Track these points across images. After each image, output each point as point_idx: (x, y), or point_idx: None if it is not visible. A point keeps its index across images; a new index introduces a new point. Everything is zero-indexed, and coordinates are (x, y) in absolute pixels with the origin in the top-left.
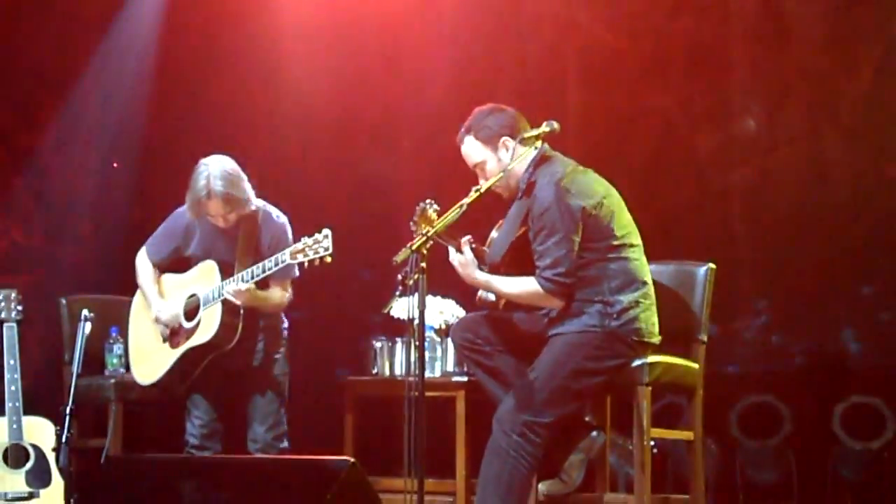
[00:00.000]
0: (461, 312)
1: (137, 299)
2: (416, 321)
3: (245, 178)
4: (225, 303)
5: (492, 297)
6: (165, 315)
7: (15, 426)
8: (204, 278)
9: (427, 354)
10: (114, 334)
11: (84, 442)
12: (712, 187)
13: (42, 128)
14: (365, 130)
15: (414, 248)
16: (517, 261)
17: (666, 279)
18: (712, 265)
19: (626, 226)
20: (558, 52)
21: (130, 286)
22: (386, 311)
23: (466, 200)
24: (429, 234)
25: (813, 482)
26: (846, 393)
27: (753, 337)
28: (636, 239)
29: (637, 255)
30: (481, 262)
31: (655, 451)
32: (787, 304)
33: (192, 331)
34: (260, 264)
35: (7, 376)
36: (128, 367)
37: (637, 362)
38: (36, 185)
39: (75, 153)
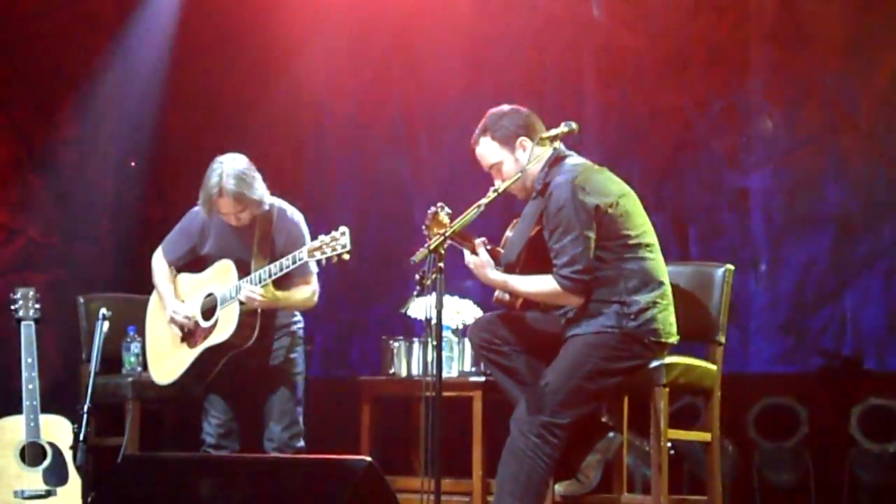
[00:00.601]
0: (478, 313)
1: (154, 299)
2: (434, 321)
3: (259, 177)
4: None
5: (508, 296)
6: (181, 315)
7: (32, 424)
8: (221, 277)
9: (444, 354)
10: (131, 333)
11: (101, 440)
12: (729, 188)
13: (60, 126)
14: (381, 131)
15: (431, 248)
16: (532, 260)
17: (684, 280)
18: (730, 266)
19: (641, 225)
20: (576, 51)
21: (148, 285)
22: (403, 311)
23: (484, 201)
24: (446, 234)
25: (830, 484)
26: (864, 395)
27: (770, 338)
28: (652, 238)
29: (654, 255)
30: (496, 262)
31: (672, 452)
32: (805, 306)
33: (209, 330)
34: (277, 262)
35: (24, 374)
36: (145, 367)
37: (654, 363)
38: (54, 184)
39: (93, 152)
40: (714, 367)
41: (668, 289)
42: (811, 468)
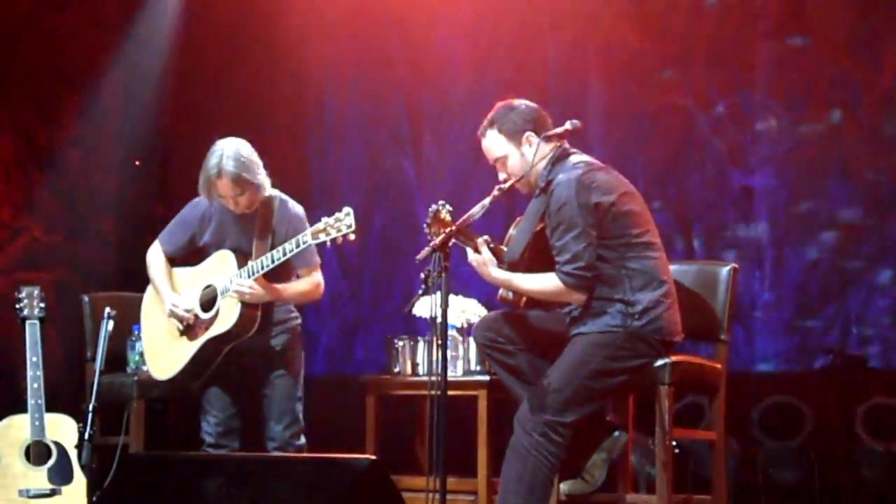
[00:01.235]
0: (483, 311)
1: (149, 294)
2: (439, 320)
3: (259, 163)
4: None
5: (512, 295)
6: (181, 308)
7: (37, 423)
8: (220, 268)
9: (449, 353)
10: (136, 332)
11: (106, 439)
12: (733, 187)
13: (64, 125)
14: (386, 128)
15: (436, 246)
16: (536, 258)
17: (689, 279)
18: (735, 265)
19: (645, 224)
20: (580, 50)
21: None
22: (408, 309)
23: (489, 199)
24: (452, 232)
25: (834, 483)
26: (868, 394)
27: (775, 337)
28: (655, 237)
29: (657, 254)
30: (500, 260)
31: (677, 450)
32: (809, 304)
33: (210, 321)
34: (280, 248)
35: (29, 373)
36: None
37: (659, 362)
38: (58, 183)
39: (97, 150)
40: (719, 366)
41: (672, 287)
42: (815, 467)
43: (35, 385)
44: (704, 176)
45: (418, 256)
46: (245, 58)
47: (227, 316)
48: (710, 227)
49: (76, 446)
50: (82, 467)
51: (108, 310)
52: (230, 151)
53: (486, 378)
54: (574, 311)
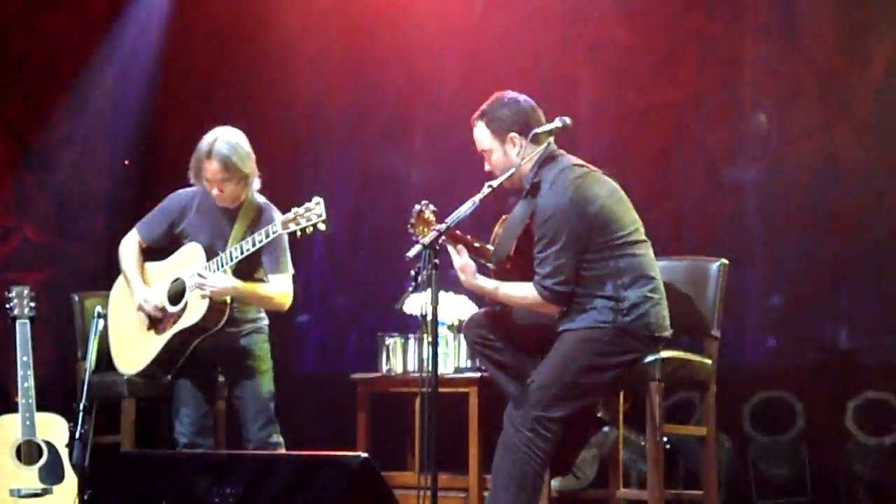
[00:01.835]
0: (473, 308)
1: (118, 286)
2: (429, 317)
3: (252, 156)
4: None
5: None
6: (150, 305)
7: (28, 422)
8: (188, 261)
9: (440, 350)
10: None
11: (97, 438)
12: (724, 183)
13: (54, 124)
14: (376, 126)
15: (426, 244)
16: (523, 258)
17: (679, 275)
18: (725, 261)
19: (632, 223)
20: (569, 47)
21: None
22: (399, 307)
23: (478, 197)
24: (442, 230)
25: (826, 478)
26: (859, 389)
27: (766, 332)
28: (642, 235)
29: (644, 251)
30: (486, 259)
31: (668, 446)
32: (800, 300)
33: (178, 314)
34: (249, 238)
35: (20, 373)
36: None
37: (649, 358)
38: (48, 182)
39: (87, 150)
40: (709, 362)
41: (660, 283)
42: (807, 462)
43: (26, 384)
44: (695, 172)
45: (408, 254)
46: (235, 56)
47: (195, 309)
48: (700, 222)
49: (67, 445)
50: (73, 466)
51: (98, 309)
52: (225, 136)
53: (477, 375)
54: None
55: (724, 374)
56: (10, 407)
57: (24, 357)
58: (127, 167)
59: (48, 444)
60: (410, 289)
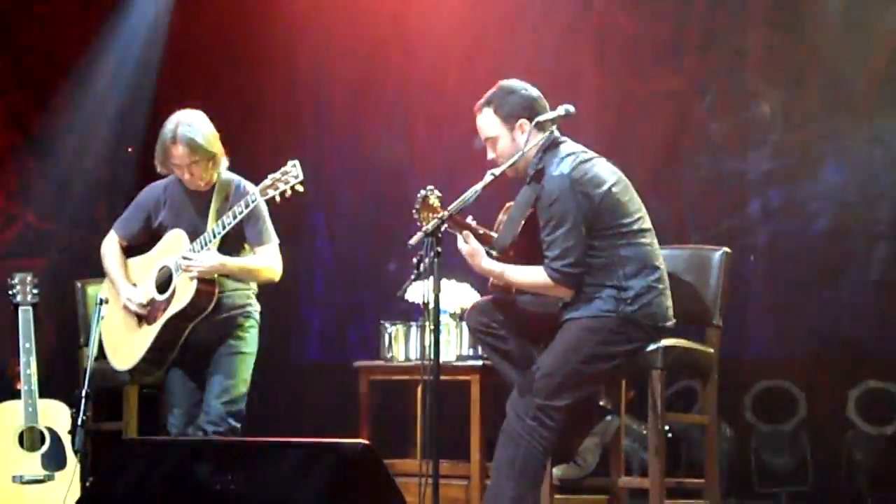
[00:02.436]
0: (476, 297)
1: (105, 287)
2: (431, 305)
3: (216, 134)
4: None
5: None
6: (135, 303)
7: (30, 409)
8: (172, 248)
9: (442, 338)
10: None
11: (99, 425)
12: (727, 172)
13: (56, 111)
14: (379, 115)
15: (428, 231)
16: (526, 245)
17: (681, 264)
18: (727, 250)
19: (636, 211)
20: (573, 35)
21: None
22: (401, 295)
23: (481, 184)
24: (444, 218)
25: (827, 467)
26: (861, 378)
27: (768, 321)
28: (647, 223)
29: (648, 240)
30: (490, 246)
31: (670, 435)
32: (802, 289)
33: (167, 301)
34: (230, 212)
35: (23, 359)
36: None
37: (651, 347)
38: (51, 169)
39: (89, 137)
40: (711, 351)
41: (664, 273)
42: (808, 451)
43: (28, 371)
44: (698, 161)
45: (411, 241)
46: (237, 44)
47: (183, 292)
48: (703, 211)
49: (69, 432)
50: (75, 453)
51: (100, 296)
52: (186, 119)
53: (479, 363)
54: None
55: (726, 362)
56: (13, 393)
57: (26, 344)
58: (129, 154)
59: (50, 430)
60: (412, 276)
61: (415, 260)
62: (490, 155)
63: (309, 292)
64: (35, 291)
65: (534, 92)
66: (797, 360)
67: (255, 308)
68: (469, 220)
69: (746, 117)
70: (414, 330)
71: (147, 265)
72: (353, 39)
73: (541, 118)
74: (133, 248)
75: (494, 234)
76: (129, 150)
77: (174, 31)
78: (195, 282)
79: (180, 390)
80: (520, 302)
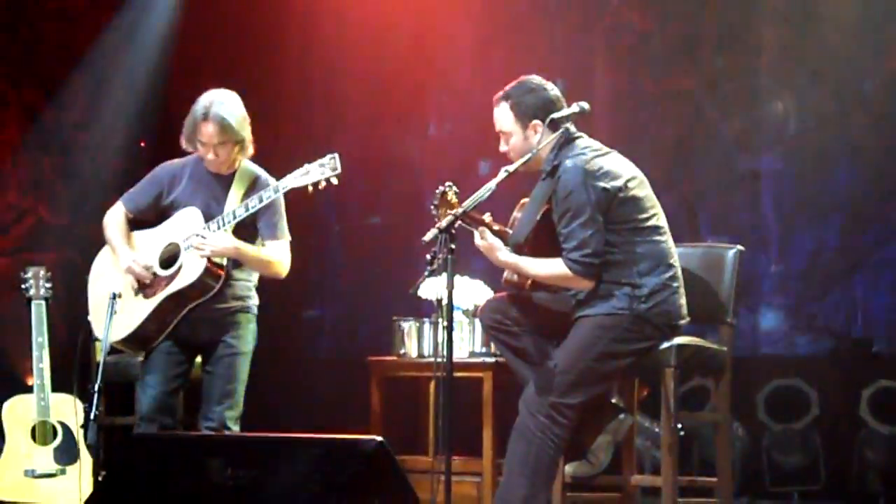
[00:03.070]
0: (489, 293)
1: (101, 257)
2: (445, 302)
3: (248, 120)
4: None
5: (517, 277)
6: (139, 265)
7: (43, 403)
8: (185, 224)
9: (455, 335)
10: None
11: (111, 419)
12: (740, 170)
13: (69, 106)
14: (392, 112)
15: (442, 228)
16: (541, 241)
17: (695, 262)
18: (741, 248)
19: (651, 208)
20: (586, 32)
21: None
22: (414, 291)
23: (495, 181)
24: (458, 214)
25: (840, 466)
26: (874, 377)
27: (781, 320)
28: (662, 221)
29: (664, 238)
30: (504, 243)
31: (682, 433)
32: (815, 288)
33: (171, 277)
34: (256, 195)
35: (35, 353)
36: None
37: (665, 345)
38: (63, 164)
39: (102, 131)
40: (724, 349)
41: (679, 271)
42: (821, 450)
43: (40, 365)
44: (711, 159)
45: (424, 238)
46: (251, 39)
47: (190, 269)
48: (716, 210)
49: (81, 426)
50: (87, 447)
51: (113, 290)
52: (222, 97)
53: (492, 360)
54: (580, 293)
55: (739, 361)
56: (25, 388)
57: (39, 338)
58: (142, 148)
59: (63, 424)
60: (426, 273)
61: (428, 256)
62: (503, 147)
63: (322, 288)
64: (48, 286)
65: (552, 92)
66: (810, 359)
67: (255, 301)
68: (486, 216)
69: (759, 116)
70: (427, 326)
71: (154, 239)
72: (367, 36)
73: (555, 116)
74: (136, 223)
75: (509, 231)
76: (142, 144)
77: (187, 26)
78: (204, 260)
79: (159, 374)
80: (534, 298)
